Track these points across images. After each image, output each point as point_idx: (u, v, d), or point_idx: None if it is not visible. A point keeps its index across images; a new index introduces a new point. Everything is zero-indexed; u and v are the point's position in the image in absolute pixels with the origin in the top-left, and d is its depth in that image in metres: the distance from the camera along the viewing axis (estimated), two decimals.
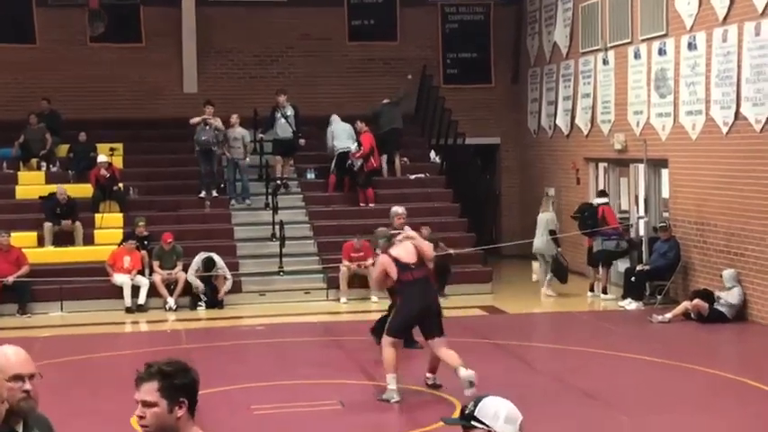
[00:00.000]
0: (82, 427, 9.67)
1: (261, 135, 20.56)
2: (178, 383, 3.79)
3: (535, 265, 18.71)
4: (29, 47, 22.06)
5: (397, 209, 12.82)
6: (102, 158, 19.54)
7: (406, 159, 21.56)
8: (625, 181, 19.68)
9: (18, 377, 3.88)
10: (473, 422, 3.57)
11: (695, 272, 16.29)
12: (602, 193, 18.78)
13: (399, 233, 11.14)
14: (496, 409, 3.59)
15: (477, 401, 3.63)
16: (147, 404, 3.75)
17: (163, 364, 3.85)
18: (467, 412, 3.59)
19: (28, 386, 3.89)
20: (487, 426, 3.55)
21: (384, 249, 10.91)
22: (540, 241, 18.49)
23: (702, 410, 10.35)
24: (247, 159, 20.14)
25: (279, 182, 20.08)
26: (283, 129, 20.23)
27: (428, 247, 11.03)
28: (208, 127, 19.60)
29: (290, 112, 20.24)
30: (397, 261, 10.57)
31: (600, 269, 17.88)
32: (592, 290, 18.01)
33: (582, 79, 20.30)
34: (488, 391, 3.83)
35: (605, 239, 17.57)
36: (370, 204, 20.00)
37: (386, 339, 10.67)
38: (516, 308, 17.06)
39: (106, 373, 12.90)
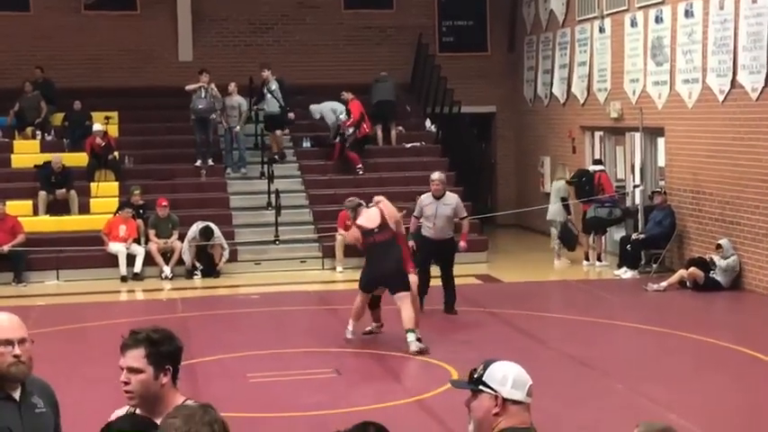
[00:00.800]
0: (78, 393, 9.68)
1: (255, 106, 20.47)
2: (164, 351, 3.80)
3: (553, 232, 18.73)
4: (22, 14, 21.92)
5: (434, 174, 13.69)
6: (97, 127, 19.47)
7: (401, 128, 21.52)
8: (621, 149, 19.68)
9: (7, 342, 3.88)
10: (481, 387, 3.54)
11: (691, 240, 16.31)
12: (597, 162, 18.83)
13: (361, 203, 12.20)
14: (504, 374, 3.56)
15: (486, 365, 3.59)
16: (132, 370, 3.77)
17: (149, 330, 3.86)
18: (476, 376, 3.56)
19: (17, 351, 3.89)
20: (495, 390, 3.52)
21: (354, 218, 12.01)
22: (553, 209, 18.54)
23: (698, 379, 10.40)
24: (237, 127, 19.98)
25: (275, 156, 19.96)
26: (270, 104, 20.01)
27: (392, 210, 11.84)
28: (205, 94, 19.53)
29: (274, 86, 19.96)
30: (360, 228, 11.68)
31: (592, 236, 17.93)
32: (587, 258, 18.03)
33: (578, 47, 20.24)
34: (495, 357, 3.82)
35: (598, 207, 17.59)
36: (358, 167, 19.95)
37: (358, 293, 11.79)
38: (512, 276, 17.09)
39: (102, 342, 12.92)
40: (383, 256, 11.53)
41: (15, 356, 3.88)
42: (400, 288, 11.43)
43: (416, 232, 13.60)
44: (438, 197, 13.47)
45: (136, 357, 3.79)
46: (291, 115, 20.45)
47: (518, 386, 3.56)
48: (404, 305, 11.35)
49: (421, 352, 11.14)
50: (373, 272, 11.66)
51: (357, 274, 17.31)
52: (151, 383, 3.78)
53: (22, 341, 3.92)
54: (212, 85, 19.62)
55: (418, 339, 11.33)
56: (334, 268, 17.81)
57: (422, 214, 13.54)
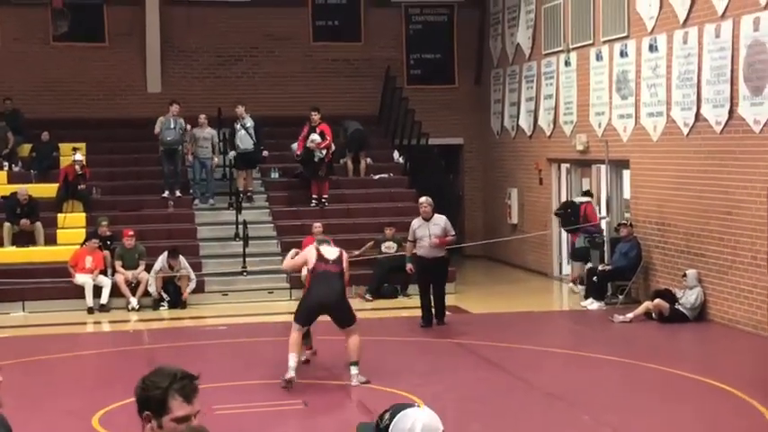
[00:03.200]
0: (42, 426, 9.62)
1: (230, 154, 20.13)
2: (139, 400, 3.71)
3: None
4: None
5: (422, 198, 14.95)
6: (78, 157, 19.43)
7: (369, 159, 21.60)
8: (587, 181, 19.84)
9: None
10: None
11: (656, 272, 16.44)
12: (586, 193, 19.03)
13: (328, 242, 12.08)
14: (413, 423, 3.36)
15: (393, 414, 3.42)
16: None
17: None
18: (381, 426, 3.40)
19: None
20: None
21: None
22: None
23: (663, 409, 10.46)
24: (215, 159, 20.10)
25: (242, 195, 19.86)
26: (244, 141, 19.92)
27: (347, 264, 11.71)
28: (174, 125, 19.55)
29: (249, 123, 19.94)
30: (318, 254, 11.36)
31: (581, 265, 18.10)
32: (575, 283, 18.11)
33: (544, 80, 20.44)
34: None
35: (587, 237, 17.89)
36: (324, 197, 19.98)
37: (294, 325, 11.29)
38: (479, 307, 17.15)
39: (67, 374, 12.84)
40: (327, 284, 11.24)
41: None
42: (349, 321, 11.35)
43: (412, 255, 15.03)
44: (427, 219, 14.78)
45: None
46: (265, 153, 20.43)
47: None
48: (352, 336, 11.30)
49: (365, 383, 11.18)
50: (314, 300, 11.30)
51: (351, 303, 17.45)
52: None
53: None
54: (180, 118, 19.66)
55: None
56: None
57: (414, 237, 14.84)
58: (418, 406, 3.46)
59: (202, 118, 19.96)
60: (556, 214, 19.17)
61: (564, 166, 20.30)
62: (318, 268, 11.27)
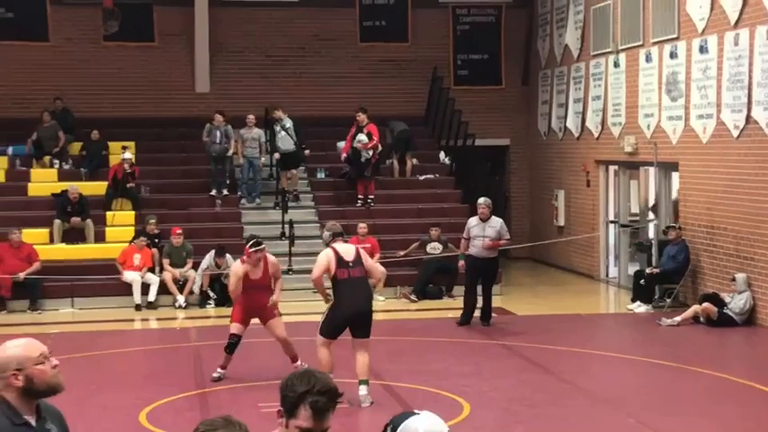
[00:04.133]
0: (90, 421, 9.73)
1: (277, 155, 20.14)
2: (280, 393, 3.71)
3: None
4: (42, 45, 22.16)
5: (481, 199, 15.05)
6: (127, 155, 19.63)
7: (415, 160, 21.60)
8: (635, 184, 19.70)
9: (44, 356, 4.00)
10: None
11: (704, 275, 16.29)
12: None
13: (342, 235, 10.97)
14: (415, 430, 3.39)
15: (395, 427, 3.44)
16: None
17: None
18: None
19: (54, 361, 4.03)
20: None
21: (328, 243, 10.72)
22: None
23: (709, 414, 10.37)
24: (263, 159, 20.22)
25: (288, 195, 19.88)
26: (285, 142, 20.00)
27: (375, 265, 11.01)
28: (219, 138, 19.71)
29: (288, 123, 20.00)
30: (337, 255, 10.43)
31: None
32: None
33: (593, 81, 20.32)
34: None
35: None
36: (370, 197, 20.01)
37: (318, 339, 10.54)
38: (525, 309, 17.09)
39: (115, 370, 12.98)
40: (357, 292, 10.43)
41: (54, 367, 4.01)
42: (368, 333, 10.56)
43: (464, 253, 15.17)
44: (484, 220, 15.00)
45: None
46: (307, 152, 20.50)
47: None
48: (365, 352, 10.53)
49: (370, 404, 10.51)
50: (346, 311, 10.39)
51: (395, 304, 17.55)
52: None
53: (51, 353, 4.06)
54: (229, 126, 19.82)
55: None
56: None
57: (469, 236, 15.00)
58: (418, 413, 3.45)
59: (250, 118, 20.08)
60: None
61: (612, 168, 20.16)
62: (341, 276, 10.39)
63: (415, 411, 3.49)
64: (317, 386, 3.59)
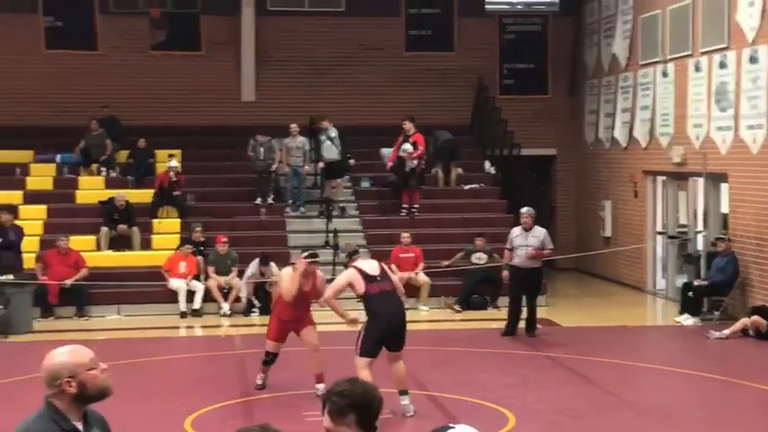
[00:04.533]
0: (135, 428, 9.75)
1: (321, 164, 20.12)
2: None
3: None
4: (90, 53, 22.38)
5: (524, 209, 14.99)
6: (173, 164, 19.77)
7: (460, 169, 21.53)
8: (684, 195, 19.48)
9: (94, 362, 4.05)
10: None
11: (753, 288, 16.05)
12: None
13: (357, 252, 10.81)
14: None
15: None
16: None
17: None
18: None
19: (103, 365, 4.09)
20: None
21: (347, 263, 10.57)
22: None
23: (758, 429, 10.19)
24: (307, 167, 20.27)
25: (332, 204, 19.88)
26: (329, 151, 19.98)
27: (398, 281, 10.84)
28: (263, 155, 19.81)
29: (333, 133, 19.97)
30: (361, 272, 10.24)
31: None
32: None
33: (641, 91, 20.14)
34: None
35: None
36: (415, 206, 19.96)
37: (359, 362, 10.06)
38: (570, 321, 16.94)
39: (160, 377, 13.03)
40: (393, 306, 10.21)
41: (103, 371, 4.06)
42: (403, 345, 10.33)
43: (508, 263, 15.23)
44: (527, 229, 14.93)
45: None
46: (352, 162, 20.51)
47: None
48: (401, 363, 10.32)
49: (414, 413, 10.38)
50: (386, 326, 10.11)
51: (440, 314, 17.49)
52: None
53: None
54: (272, 141, 19.90)
55: None
56: None
57: (512, 245, 14.96)
58: (452, 427, 3.42)
59: (294, 127, 20.12)
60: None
61: (660, 179, 19.96)
62: (372, 290, 10.15)
63: (451, 425, 3.46)
64: (337, 388, 3.59)
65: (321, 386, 10.91)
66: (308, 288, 11.02)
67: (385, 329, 10.13)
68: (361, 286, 10.18)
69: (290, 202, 20.23)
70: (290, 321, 11.14)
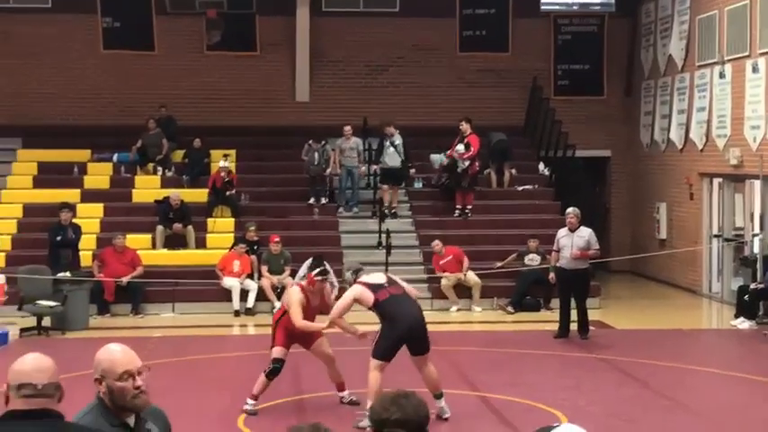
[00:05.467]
0: (188, 426, 9.84)
1: (375, 167, 20.25)
2: None
3: None
4: (148, 54, 22.63)
5: (569, 209, 14.89)
6: (223, 164, 19.93)
7: (514, 171, 21.45)
8: (740, 197, 19.25)
9: (128, 374, 3.91)
10: None
11: None
12: None
13: (362, 269, 10.53)
14: None
15: None
16: None
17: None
18: None
19: (139, 382, 3.92)
20: None
21: (352, 282, 10.34)
22: None
23: None
24: (362, 168, 20.30)
25: (386, 209, 19.88)
26: (392, 158, 19.97)
27: (410, 287, 10.49)
28: (318, 159, 19.89)
29: (398, 140, 19.97)
30: (367, 285, 10.09)
31: None
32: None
33: (697, 93, 19.93)
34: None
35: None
36: (468, 208, 19.92)
37: (372, 363, 9.92)
38: (624, 323, 16.81)
39: (215, 374, 13.15)
40: (409, 307, 10.03)
41: (137, 388, 3.91)
42: (428, 347, 10.12)
43: (555, 265, 15.21)
44: (573, 230, 14.81)
45: None
46: (413, 171, 20.49)
47: None
48: (431, 366, 10.15)
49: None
50: (404, 327, 9.86)
51: (492, 315, 17.45)
52: None
53: (140, 372, 3.95)
54: (327, 146, 19.98)
55: None
56: (447, 309, 17.80)
57: (558, 247, 14.89)
58: (559, 424, 3.40)
59: (347, 129, 20.16)
60: None
61: (716, 181, 19.74)
62: (382, 297, 9.95)
63: (554, 424, 3.44)
64: (394, 416, 3.49)
65: (345, 393, 10.79)
66: (316, 303, 10.71)
67: (405, 330, 9.89)
68: (369, 298, 9.97)
69: (344, 202, 20.30)
70: (297, 334, 10.65)
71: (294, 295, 10.51)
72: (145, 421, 4.03)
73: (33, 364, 3.68)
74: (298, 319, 10.38)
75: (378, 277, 10.32)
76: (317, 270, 10.66)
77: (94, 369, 3.95)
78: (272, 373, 10.55)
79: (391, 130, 20.02)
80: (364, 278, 10.27)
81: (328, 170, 20.28)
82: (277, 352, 10.58)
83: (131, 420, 3.98)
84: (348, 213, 20.26)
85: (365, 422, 9.57)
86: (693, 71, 20.10)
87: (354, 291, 10.10)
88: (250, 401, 10.54)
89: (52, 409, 3.62)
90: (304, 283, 10.67)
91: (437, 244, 18.26)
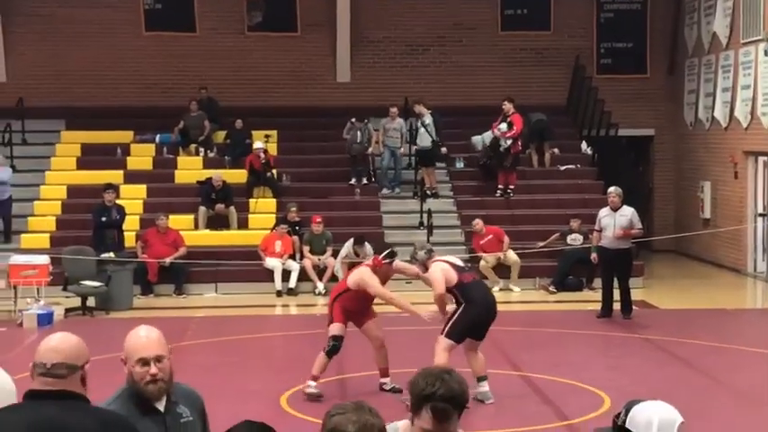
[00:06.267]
0: (231, 405, 9.91)
1: (415, 148, 20.02)
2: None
3: None
4: (189, 35, 22.70)
5: (611, 188, 14.79)
6: (258, 145, 19.97)
7: (556, 150, 21.31)
8: None
9: (143, 361, 3.91)
10: None
11: None
12: None
13: (433, 250, 10.41)
14: (649, 418, 3.34)
15: (628, 409, 3.39)
16: None
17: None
18: (619, 423, 3.37)
19: (154, 369, 3.89)
20: None
21: (426, 261, 10.20)
22: None
23: None
24: (403, 149, 20.22)
25: (427, 192, 19.80)
26: (423, 138, 19.75)
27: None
28: (360, 138, 19.82)
29: (428, 120, 19.74)
30: (451, 264, 10.13)
31: None
32: None
33: (742, 70, 19.67)
34: (639, 395, 3.65)
35: None
36: (510, 187, 19.81)
37: (444, 342, 9.97)
38: (668, 303, 16.69)
39: (256, 354, 13.22)
40: (487, 292, 10.33)
41: (152, 375, 3.90)
42: (484, 336, 10.22)
43: (597, 245, 14.98)
44: (615, 209, 14.68)
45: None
46: (444, 150, 20.37)
47: (665, 428, 3.35)
48: (479, 351, 10.23)
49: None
50: (483, 311, 10.00)
51: (534, 295, 17.40)
52: None
53: (158, 359, 3.92)
54: (369, 125, 19.91)
55: None
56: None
57: (600, 226, 14.76)
58: (653, 400, 3.40)
59: (393, 110, 20.02)
60: None
61: (761, 159, 19.50)
62: (467, 279, 10.06)
63: (646, 399, 3.44)
64: (440, 390, 3.52)
65: (387, 380, 10.71)
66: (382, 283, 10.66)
67: (483, 315, 9.98)
68: (454, 277, 9.99)
69: (387, 183, 20.25)
70: (355, 312, 10.65)
71: (365, 272, 10.47)
72: (176, 404, 4.01)
73: (51, 344, 3.63)
74: (379, 288, 10.36)
75: (455, 259, 10.42)
76: (386, 252, 10.71)
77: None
78: (332, 351, 10.39)
79: (421, 110, 19.80)
80: (445, 257, 10.33)
81: (370, 149, 20.26)
82: (336, 329, 10.43)
83: (162, 405, 3.96)
84: (390, 192, 20.21)
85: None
86: (738, 48, 19.84)
87: (442, 268, 10.06)
88: (312, 383, 10.36)
89: (72, 391, 3.54)
90: (370, 263, 10.62)
91: (477, 223, 18.19)
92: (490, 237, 18.17)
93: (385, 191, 20.22)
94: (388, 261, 10.61)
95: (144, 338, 3.96)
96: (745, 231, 19.59)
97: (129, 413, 3.86)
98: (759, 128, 18.92)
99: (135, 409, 3.91)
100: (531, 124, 20.83)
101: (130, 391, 3.95)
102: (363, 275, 10.48)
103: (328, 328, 10.50)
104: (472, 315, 9.96)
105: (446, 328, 10.02)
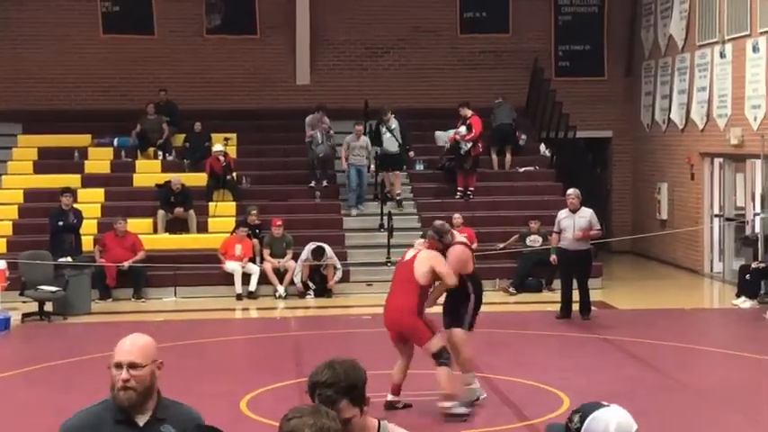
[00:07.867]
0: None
1: (377, 149, 19.84)
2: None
3: None
4: (147, 38, 22.57)
5: (570, 190, 14.81)
6: (217, 147, 19.88)
7: (523, 139, 21.29)
8: (741, 177, 19.24)
9: (117, 365, 3.81)
10: None
11: None
12: None
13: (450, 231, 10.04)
14: (606, 425, 3.27)
15: (583, 417, 3.29)
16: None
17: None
18: (572, 429, 3.29)
19: (124, 375, 3.78)
20: None
21: (449, 242, 9.90)
22: None
23: None
24: (372, 168, 19.97)
25: (388, 195, 19.70)
26: (389, 143, 19.77)
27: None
28: (322, 139, 19.66)
29: (394, 125, 19.77)
30: (467, 245, 10.10)
31: None
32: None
33: (698, 72, 19.89)
34: (599, 396, 3.63)
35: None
36: (470, 189, 19.87)
37: (463, 335, 9.93)
38: (626, 303, 16.83)
39: (216, 358, 13.17)
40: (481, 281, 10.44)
41: (122, 381, 3.78)
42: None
43: (556, 246, 15.14)
44: (574, 211, 14.78)
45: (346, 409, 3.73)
46: (411, 154, 20.38)
47: None
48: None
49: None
50: (480, 301, 10.17)
51: (494, 296, 17.37)
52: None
53: (132, 365, 3.80)
54: (331, 131, 19.81)
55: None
56: None
57: (560, 228, 14.86)
58: (607, 405, 3.34)
59: (358, 129, 19.78)
60: None
61: (717, 161, 19.72)
62: (473, 268, 10.13)
63: (604, 403, 3.36)
64: (323, 377, 3.74)
65: (398, 398, 10.16)
66: None
67: (480, 304, 10.11)
68: (471, 265, 9.91)
69: (353, 202, 19.70)
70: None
71: (440, 257, 9.64)
72: (162, 423, 3.87)
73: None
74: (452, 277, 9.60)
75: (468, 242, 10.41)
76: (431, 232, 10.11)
77: None
78: (448, 361, 9.71)
79: (388, 117, 19.79)
80: (460, 238, 10.20)
81: (338, 155, 19.96)
82: (440, 339, 9.72)
83: (143, 419, 3.85)
84: (356, 211, 19.79)
85: (460, 409, 9.57)
86: (694, 51, 20.05)
87: (465, 251, 9.90)
88: (448, 404, 9.62)
89: None
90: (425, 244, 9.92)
91: (458, 217, 17.90)
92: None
93: (352, 211, 19.71)
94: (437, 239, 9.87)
95: (127, 344, 3.86)
96: (702, 232, 19.81)
97: (99, 420, 3.78)
98: (715, 130, 19.13)
99: (108, 416, 3.80)
100: (494, 127, 20.88)
101: (113, 400, 3.83)
102: (441, 260, 9.57)
103: (424, 348, 9.79)
104: (476, 305, 10.06)
105: (463, 319, 9.94)
